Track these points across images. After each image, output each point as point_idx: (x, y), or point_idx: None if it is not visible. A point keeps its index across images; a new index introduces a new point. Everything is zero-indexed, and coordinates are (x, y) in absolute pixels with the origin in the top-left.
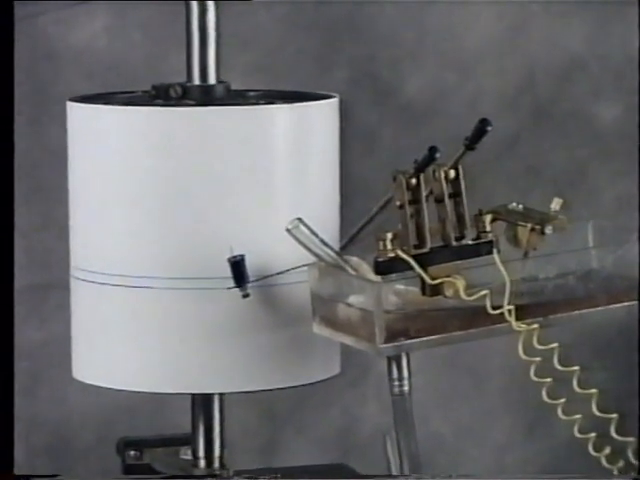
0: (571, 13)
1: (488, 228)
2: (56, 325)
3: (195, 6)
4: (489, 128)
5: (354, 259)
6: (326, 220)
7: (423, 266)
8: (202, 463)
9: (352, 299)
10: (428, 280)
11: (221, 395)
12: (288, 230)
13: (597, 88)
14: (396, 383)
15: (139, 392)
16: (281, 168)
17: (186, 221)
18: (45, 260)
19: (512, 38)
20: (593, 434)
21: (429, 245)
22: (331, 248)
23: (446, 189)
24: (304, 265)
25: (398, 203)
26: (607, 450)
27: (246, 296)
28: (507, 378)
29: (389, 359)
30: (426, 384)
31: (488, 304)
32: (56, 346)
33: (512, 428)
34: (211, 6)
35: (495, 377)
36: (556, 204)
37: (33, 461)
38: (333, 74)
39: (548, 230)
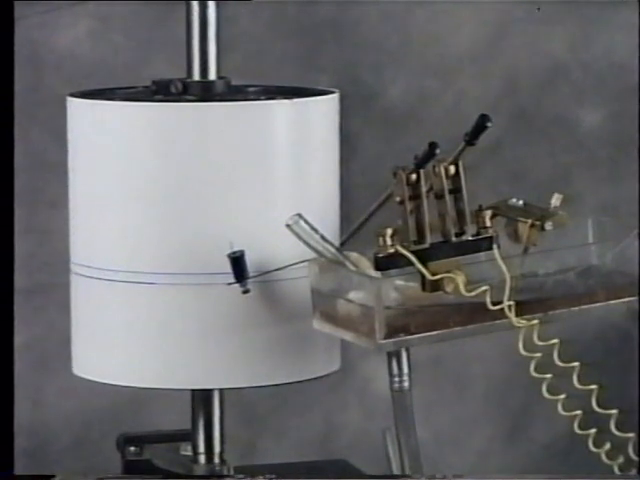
0: (554, 19)
1: (488, 224)
2: (37, 329)
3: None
4: (489, 124)
5: (354, 255)
6: (326, 216)
7: (423, 262)
8: (202, 459)
9: (352, 295)
10: (428, 276)
11: (221, 391)
12: (288, 226)
13: (580, 93)
14: (396, 379)
15: (140, 388)
16: (281, 164)
17: (186, 216)
18: (26, 265)
19: (495, 43)
20: (593, 430)
21: (429, 241)
22: (331, 244)
23: (446, 185)
24: (304, 261)
25: (398, 199)
26: (607, 446)
27: (246, 292)
28: (489, 385)
29: (389, 355)
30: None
31: (488, 300)
32: (36, 350)
33: (492, 434)
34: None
35: (477, 384)
36: (556, 200)
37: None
38: (316, 78)
39: (548, 226)
